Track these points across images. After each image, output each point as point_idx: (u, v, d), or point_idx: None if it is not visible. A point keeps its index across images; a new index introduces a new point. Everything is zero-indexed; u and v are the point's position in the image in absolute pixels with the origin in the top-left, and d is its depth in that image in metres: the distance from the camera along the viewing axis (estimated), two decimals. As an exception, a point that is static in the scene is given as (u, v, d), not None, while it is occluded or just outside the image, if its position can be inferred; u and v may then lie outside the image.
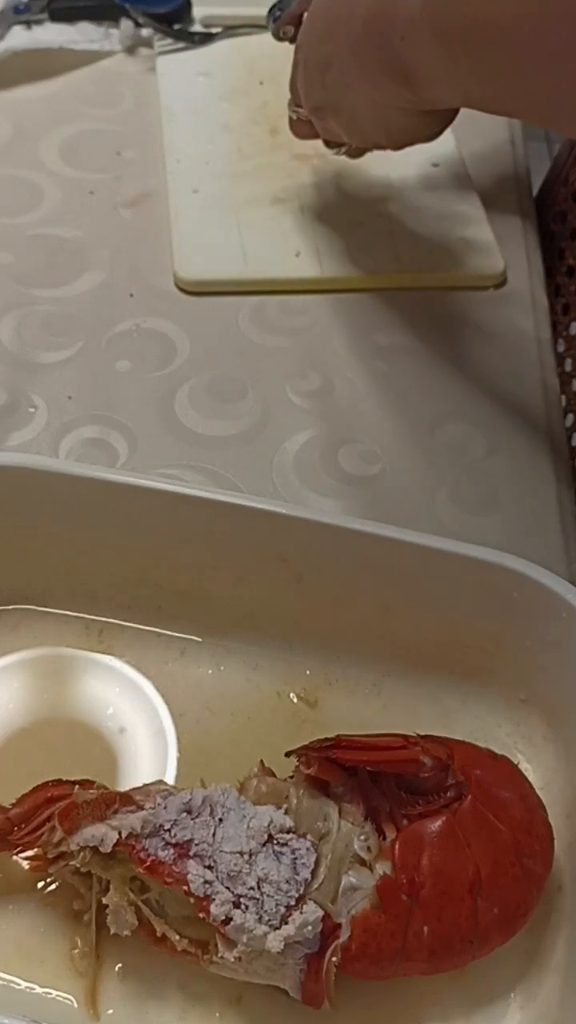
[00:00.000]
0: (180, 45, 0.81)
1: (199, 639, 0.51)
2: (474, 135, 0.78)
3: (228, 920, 0.39)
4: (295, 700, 0.50)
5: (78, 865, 0.41)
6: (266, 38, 0.71)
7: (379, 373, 0.63)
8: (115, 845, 0.40)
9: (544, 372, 0.64)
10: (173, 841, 0.40)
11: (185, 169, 0.72)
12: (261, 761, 0.44)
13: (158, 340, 0.63)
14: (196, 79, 0.79)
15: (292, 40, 0.65)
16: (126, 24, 0.81)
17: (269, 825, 0.40)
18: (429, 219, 0.70)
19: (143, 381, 0.61)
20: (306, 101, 0.61)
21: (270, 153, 0.74)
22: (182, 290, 0.66)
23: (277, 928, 0.39)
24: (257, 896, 0.39)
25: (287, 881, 0.39)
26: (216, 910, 0.39)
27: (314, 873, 0.40)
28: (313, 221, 0.69)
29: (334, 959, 0.39)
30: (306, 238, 0.68)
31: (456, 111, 0.57)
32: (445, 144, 0.76)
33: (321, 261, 0.67)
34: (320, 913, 0.39)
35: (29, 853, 0.42)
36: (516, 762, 0.46)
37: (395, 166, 0.73)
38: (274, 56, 0.77)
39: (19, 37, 0.79)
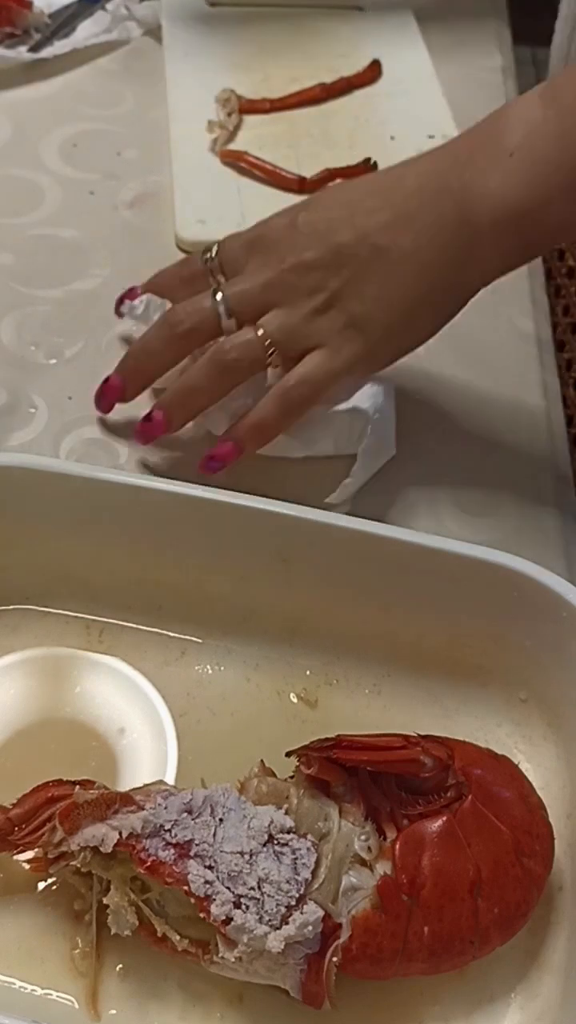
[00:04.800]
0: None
1: (199, 639, 0.51)
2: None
3: (229, 920, 0.39)
4: (295, 700, 0.50)
5: (79, 865, 0.41)
6: (268, 12, 0.79)
7: (379, 373, 0.63)
8: (116, 845, 0.40)
9: (544, 372, 0.64)
10: (174, 841, 0.40)
11: (188, 137, 0.73)
12: (261, 761, 0.44)
13: (158, 340, 0.63)
14: (201, 52, 0.80)
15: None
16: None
17: (269, 825, 0.40)
18: None
19: (143, 381, 0.61)
20: (302, 283, 0.53)
21: (271, 124, 0.76)
22: (183, 251, 0.68)
23: (277, 928, 0.39)
24: (258, 896, 0.39)
25: (287, 881, 0.39)
26: (217, 910, 0.39)
27: (314, 873, 0.40)
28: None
29: (334, 959, 0.39)
30: None
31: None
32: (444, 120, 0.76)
33: None
34: (320, 913, 0.39)
35: (29, 853, 0.42)
36: (516, 762, 0.46)
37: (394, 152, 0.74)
38: (278, 31, 0.82)
39: (62, 43, 0.81)
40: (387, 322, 0.53)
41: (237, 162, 0.71)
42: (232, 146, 0.73)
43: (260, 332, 0.53)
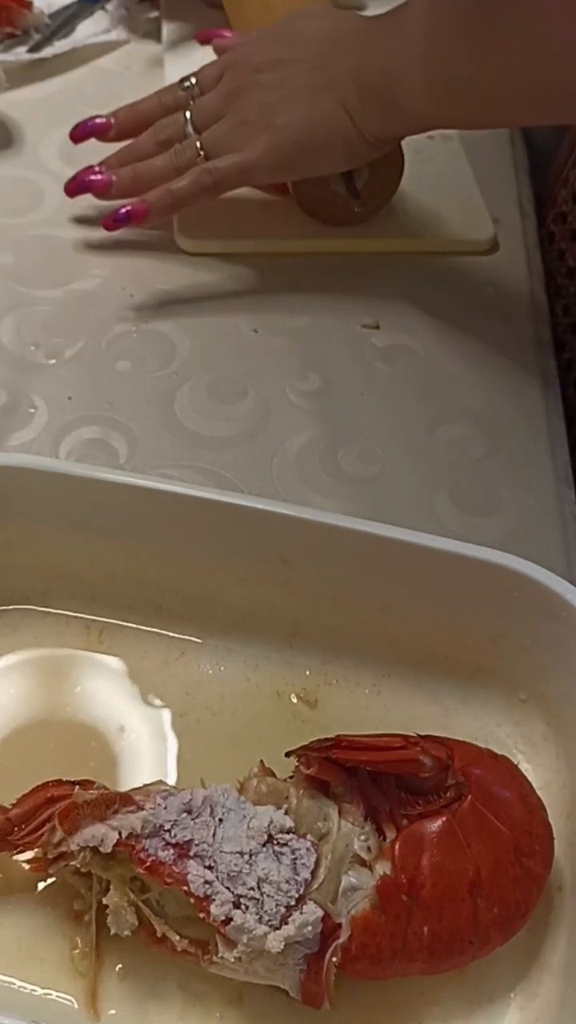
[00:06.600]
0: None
1: (199, 639, 0.51)
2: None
3: (228, 920, 0.39)
4: (295, 700, 0.50)
5: (78, 865, 0.41)
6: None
7: (379, 373, 0.63)
8: (115, 845, 0.40)
9: (544, 373, 0.64)
10: (173, 841, 0.40)
11: None
12: (261, 761, 0.44)
13: (158, 340, 0.63)
14: (201, 52, 0.80)
15: None
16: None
17: (269, 825, 0.40)
18: (424, 186, 0.73)
19: (143, 381, 0.61)
20: (249, 54, 0.64)
21: None
22: (183, 251, 0.68)
23: (277, 928, 0.39)
24: (257, 896, 0.39)
25: (287, 881, 0.39)
26: (216, 910, 0.39)
27: (314, 873, 0.40)
28: None
29: (334, 959, 0.39)
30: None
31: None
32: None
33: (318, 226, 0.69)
34: (320, 913, 0.39)
35: (29, 853, 0.42)
36: (516, 762, 0.46)
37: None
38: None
39: (62, 43, 0.81)
40: (302, 135, 0.62)
41: None
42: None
43: (199, 143, 0.64)
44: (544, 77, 0.53)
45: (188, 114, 0.65)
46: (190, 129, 0.65)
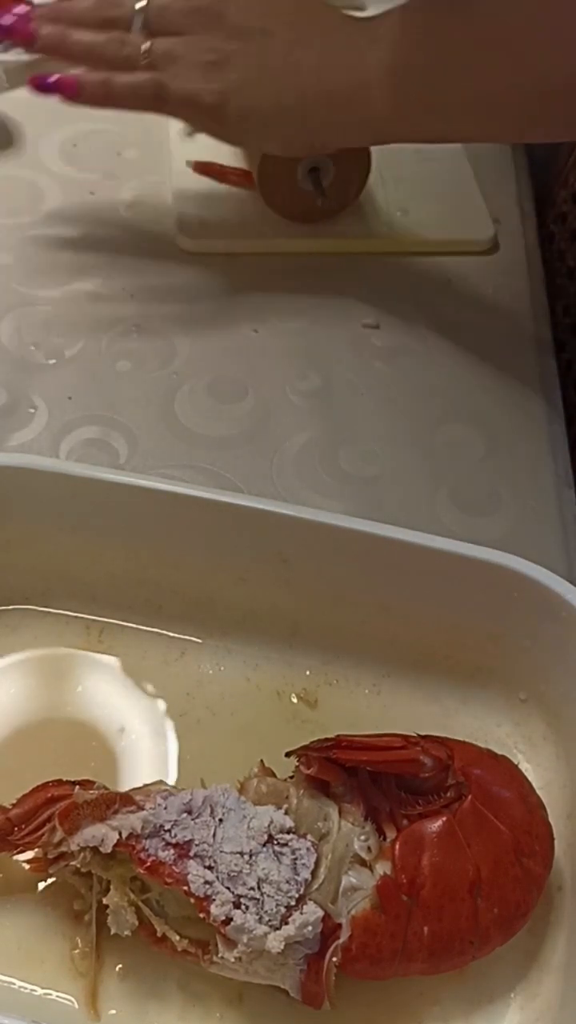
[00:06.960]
0: None
1: (199, 639, 0.51)
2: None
3: (228, 920, 0.39)
4: (295, 700, 0.50)
5: (78, 865, 0.41)
6: None
7: (379, 373, 0.63)
8: (115, 845, 0.40)
9: (544, 372, 0.64)
10: (173, 841, 0.40)
11: (188, 137, 0.73)
12: (261, 761, 0.44)
13: (158, 340, 0.63)
14: None
15: None
16: None
17: (269, 825, 0.40)
18: (424, 186, 0.73)
19: (143, 381, 0.61)
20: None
21: None
22: (184, 251, 0.68)
23: (277, 928, 0.39)
24: (257, 896, 0.39)
25: (287, 881, 0.39)
26: (216, 910, 0.39)
27: (314, 873, 0.40)
28: None
29: (334, 959, 0.39)
30: None
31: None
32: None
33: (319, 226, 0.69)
34: (320, 913, 0.39)
35: (29, 853, 0.42)
36: (516, 762, 0.46)
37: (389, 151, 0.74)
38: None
39: None
40: (250, 105, 0.59)
41: (207, 174, 0.70)
42: (211, 157, 0.72)
43: (148, 46, 0.58)
44: (511, 87, 0.51)
45: (144, 4, 0.59)
46: (139, 24, 0.59)
